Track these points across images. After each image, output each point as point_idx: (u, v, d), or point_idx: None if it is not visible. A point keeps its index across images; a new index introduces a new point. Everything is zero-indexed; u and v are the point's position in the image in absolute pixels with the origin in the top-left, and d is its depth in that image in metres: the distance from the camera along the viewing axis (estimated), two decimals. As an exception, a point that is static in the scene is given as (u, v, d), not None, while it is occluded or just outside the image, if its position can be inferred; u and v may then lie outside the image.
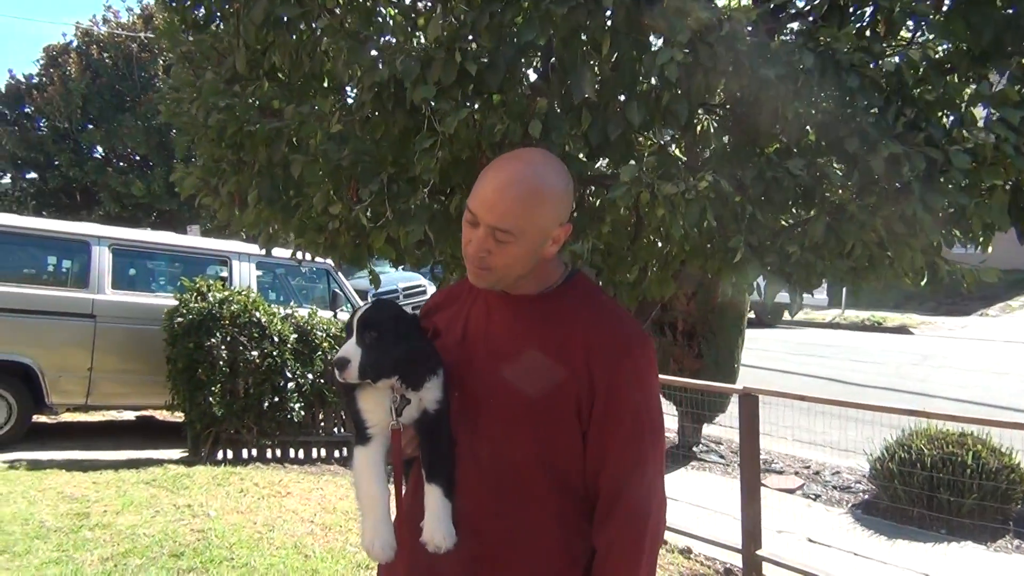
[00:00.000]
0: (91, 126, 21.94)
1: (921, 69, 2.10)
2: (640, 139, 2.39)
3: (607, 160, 2.48)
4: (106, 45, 22.18)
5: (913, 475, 6.93)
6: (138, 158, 22.59)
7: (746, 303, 9.72)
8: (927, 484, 6.83)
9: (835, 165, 2.18)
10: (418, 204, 2.23)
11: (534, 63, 2.31)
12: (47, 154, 21.70)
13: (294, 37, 2.43)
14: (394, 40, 2.28)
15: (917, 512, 6.84)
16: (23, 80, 22.20)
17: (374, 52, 2.19)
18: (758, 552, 5.71)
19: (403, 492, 1.78)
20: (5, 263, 8.03)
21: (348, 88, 2.55)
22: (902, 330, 20.35)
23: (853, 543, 6.48)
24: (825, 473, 8.52)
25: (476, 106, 2.17)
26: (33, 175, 22.85)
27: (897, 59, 2.08)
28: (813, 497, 7.81)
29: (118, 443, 8.31)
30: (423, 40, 2.18)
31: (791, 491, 7.96)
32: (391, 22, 2.37)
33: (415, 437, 1.73)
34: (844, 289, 20.24)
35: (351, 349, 1.65)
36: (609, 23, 2.05)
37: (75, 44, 22.34)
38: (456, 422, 1.72)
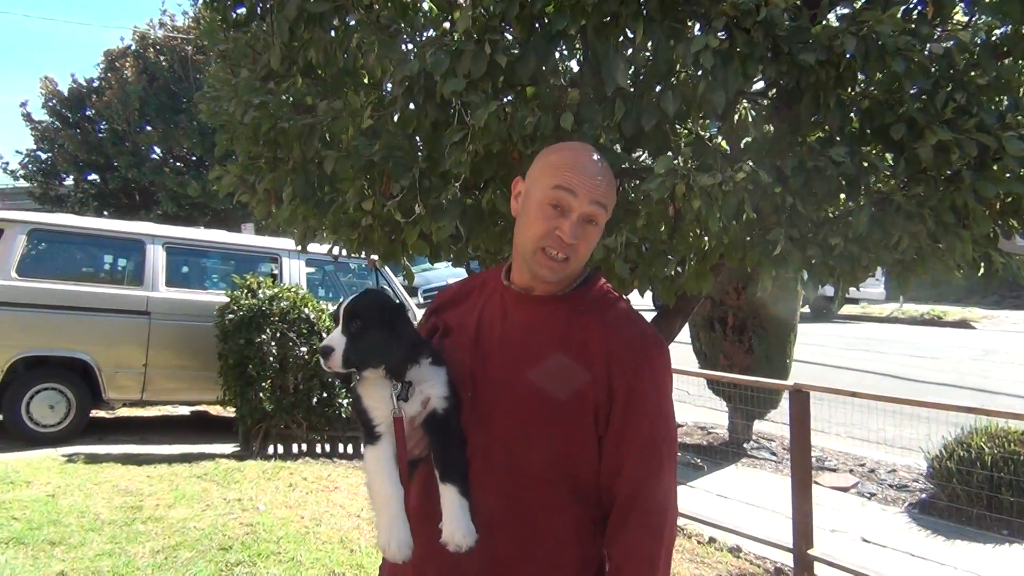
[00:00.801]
0: (148, 128, 22.43)
1: (975, 53, 2.00)
2: (676, 130, 2.33)
3: (643, 153, 2.44)
4: (162, 48, 22.66)
5: (973, 474, 6.72)
6: (194, 158, 23.03)
7: (799, 297, 9.52)
8: (987, 484, 6.63)
9: (880, 154, 2.09)
10: (449, 199, 2.21)
11: (565, 53, 2.27)
12: (107, 156, 22.25)
13: (329, 33, 2.42)
14: (427, 34, 2.26)
15: (977, 512, 6.64)
16: (84, 84, 22.79)
17: (407, 47, 2.18)
18: (810, 551, 5.60)
19: (409, 492, 1.75)
20: (64, 262, 8.25)
21: (381, 83, 2.53)
22: (963, 324, 19.78)
23: (909, 543, 6.31)
24: (880, 471, 8.31)
25: (507, 99, 2.15)
26: (94, 177, 23.44)
27: (947, 43, 1.99)
28: (868, 496, 7.63)
29: (172, 437, 8.47)
30: (453, 33, 2.15)
31: (845, 489, 7.79)
32: (426, 16, 2.35)
33: (424, 437, 1.71)
34: (902, 283, 19.69)
35: (336, 338, 1.66)
36: (643, 10, 2.00)
37: (133, 48, 22.86)
38: (469, 424, 1.69)
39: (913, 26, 1.96)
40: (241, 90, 2.52)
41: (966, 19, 2.18)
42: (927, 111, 1.96)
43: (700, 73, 1.97)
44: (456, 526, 1.63)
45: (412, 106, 2.25)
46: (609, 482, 1.65)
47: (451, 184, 2.22)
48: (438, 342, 1.80)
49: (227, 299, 7.78)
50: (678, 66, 2.09)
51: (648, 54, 2.13)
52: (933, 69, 1.97)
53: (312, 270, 9.59)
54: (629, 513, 1.63)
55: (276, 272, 8.97)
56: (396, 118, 2.31)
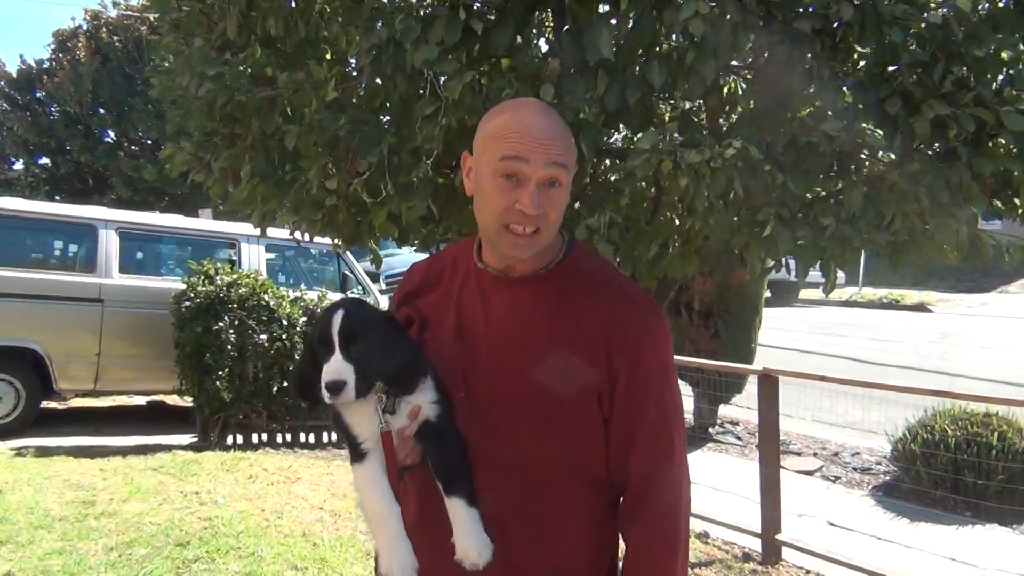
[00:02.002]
0: (102, 110, 21.87)
1: (974, 22, 1.91)
2: (660, 106, 2.22)
3: (624, 132, 2.32)
4: (115, 28, 22.06)
5: (936, 456, 6.77)
6: (149, 142, 22.51)
7: (765, 282, 9.53)
8: (951, 466, 6.67)
9: (871, 129, 2.00)
10: (421, 177, 2.07)
11: (545, 21, 2.13)
12: (58, 139, 21.66)
13: (289, 0, 2.27)
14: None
15: (941, 495, 6.68)
16: (34, 65, 22.13)
17: (372, 11, 2.04)
18: (778, 537, 5.59)
19: (406, 503, 1.62)
20: (12, 248, 7.93)
21: (349, 56, 2.38)
22: (921, 308, 20.10)
23: (875, 526, 6.33)
24: (844, 454, 8.37)
25: (482, 69, 2.01)
26: (45, 160, 22.83)
27: (944, 11, 1.89)
28: (832, 479, 7.66)
29: (128, 428, 8.25)
30: (424, -3, 2.01)
31: (810, 473, 7.82)
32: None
33: (416, 447, 1.57)
34: (860, 266, 19.90)
35: (341, 368, 1.47)
36: (627, -25, 1.88)
37: (85, 28, 22.23)
38: (467, 425, 1.55)
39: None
40: (195, 61, 2.35)
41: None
42: (923, 84, 1.87)
43: (689, 42, 1.86)
44: (470, 541, 1.51)
45: (380, 78, 2.10)
46: (619, 467, 1.55)
47: (422, 161, 2.07)
48: (417, 337, 1.65)
49: (183, 286, 7.55)
50: (665, 35, 1.97)
51: (632, 22, 2.00)
52: (929, 40, 1.88)
53: (272, 256, 9.37)
54: (643, 499, 1.53)
55: (234, 258, 8.74)
56: (363, 90, 2.16)
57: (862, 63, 1.99)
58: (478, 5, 1.93)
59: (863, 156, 1.99)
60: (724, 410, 9.36)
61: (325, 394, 1.47)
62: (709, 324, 9.02)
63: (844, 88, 2.01)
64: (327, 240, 7.32)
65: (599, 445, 1.55)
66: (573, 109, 1.90)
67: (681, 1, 1.74)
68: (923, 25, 1.85)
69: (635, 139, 2.09)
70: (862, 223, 2.00)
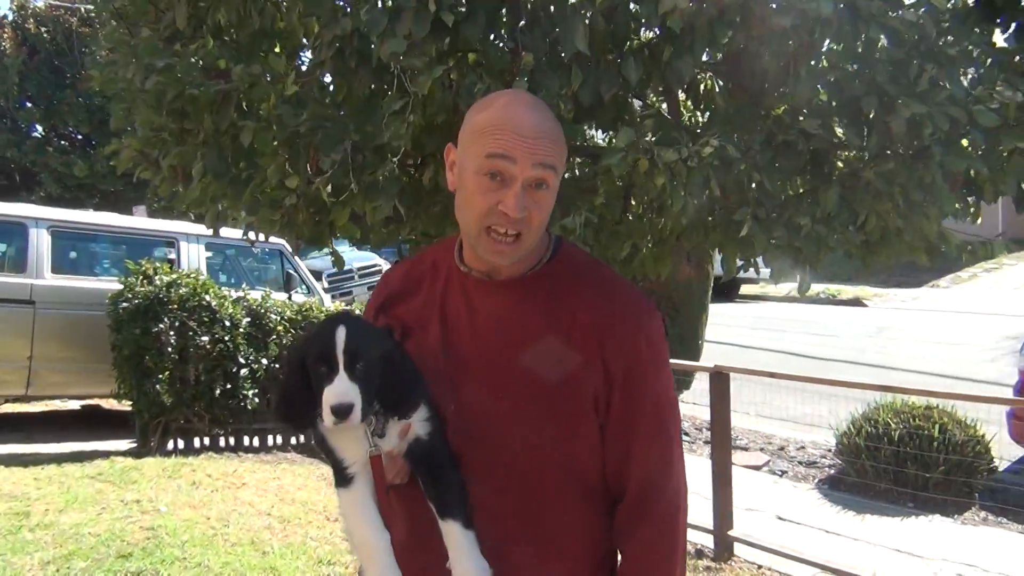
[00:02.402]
0: (29, 104, 21.10)
1: (947, 20, 1.90)
2: (634, 103, 2.17)
3: (598, 129, 2.26)
4: (43, 19, 21.29)
5: (880, 449, 6.91)
6: (80, 137, 21.81)
7: (711, 279, 9.63)
8: (894, 458, 6.82)
9: (845, 127, 1.98)
10: (387, 175, 1.98)
11: (519, 13, 2.06)
12: (-17, 134, 20.85)
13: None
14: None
15: (884, 487, 6.83)
16: (-45, 56, 21.25)
17: (338, 2, 1.94)
18: (730, 533, 5.63)
19: (394, 522, 1.52)
20: (-64, 247, 7.59)
21: (304, 47, 2.28)
22: (856, 303, 20.57)
23: (822, 519, 6.43)
24: (790, 449, 8.50)
25: (452, 63, 1.93)
26: (-32, 156, 21.94)
27: (920, 10, 1.88)
28: (779, 473, 7.77)
29: (62, 435, 7.93)
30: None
31: (757, 468, 7.91)
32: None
33: (405, 466, 1.48)
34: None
35: (347, 389, 1.37)
36: (603, -33, 1.82)
37: (10, 18, 21.41)
38: (458, 440, 1.47)
39: (885, -9, 1.85)
40: (142, 52, 2.22)
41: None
42: (899, 82, 1.85)
43: (666, 37, 1.81)
44: (468, 566, 1.42)
45: (341, 72, 2.01)
46: (616, 474, 1.48)
47: (388, 159, 1.98)
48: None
49: (120, 286, 7.30)
50: (642, 29, 1.92)
51: (608, 16, 1.94)
52: (906, 37, 1.86)
53: (212, 254, 9.12)
54: (642, 508, 1.47)
55: (173, 257, 8.48)
56: (329, 84, 2.07)
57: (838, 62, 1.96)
58: (448, -4, 1.85)
59: (838, 155, 1.97)
60: (672, 406, 9.43)
61: (329, 419, 1.36)
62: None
63: (818, 86, 1.99)
64: (277, 239, 7.13)
65: (596, 453, 1.48)
66: (548, 104, 1.83)
67: (659, -5, 1.69)
68: (899, 23, 1.83)
69: (609, 137, 2.04)
70: (836, 223, 1.99)
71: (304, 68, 2.20)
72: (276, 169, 2.11)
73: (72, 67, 20.96)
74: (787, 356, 12.60)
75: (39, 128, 21.88)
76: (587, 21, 1.82)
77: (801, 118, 1.87)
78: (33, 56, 20.77)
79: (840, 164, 2.01)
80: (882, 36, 1.79)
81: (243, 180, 2.30)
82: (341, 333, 1.39)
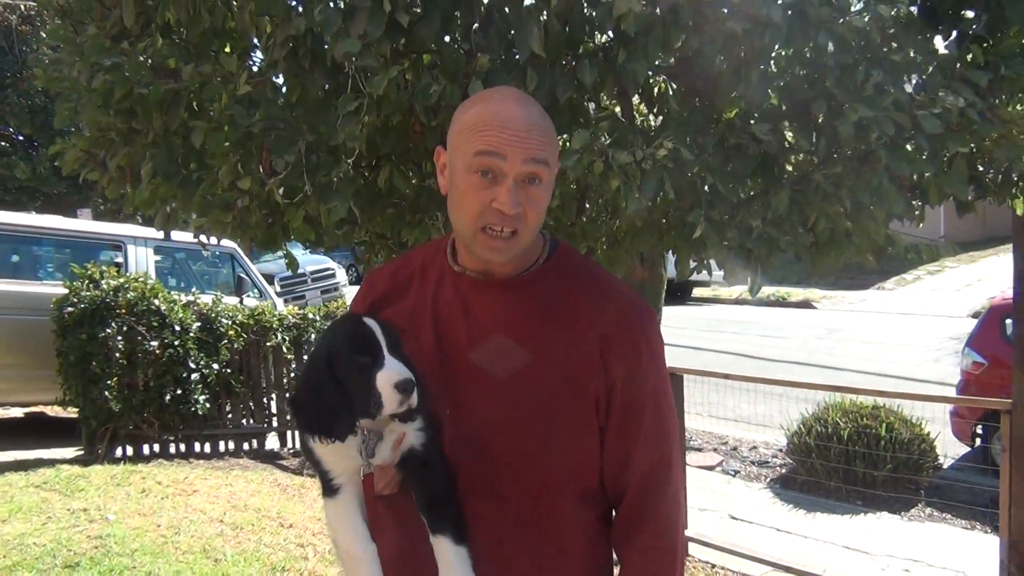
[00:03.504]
0: (-33, 104, 20.50)
1: (892, 27, 1.95)
2: (588, 103, 2.18)
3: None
4: (-18, 16, 20.71)
5: (829, 448, 7.04)
6: (21, 138, 21.25)
7: (664, 281, 9.72)
8: (843, 457, 6.96)
9: (795, 131, 2.02)
10: (341, 177, 1.95)
11: (474, 15, 2.06)
12: (-82, 134, 20.22)
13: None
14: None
15: (834, 485, 6.96)
16: None
17: (291, 2, 1.92)
18: (685, 532, 5.67)
19: (383, 533, 1.49)
20: None
21: (255, 48, 2.25)
22: (806, 305, 20.93)
23: (774, 518, 6.54)
24: (743, 449, 8.62)
25: (407, 64, 1.92)
26: (-96, 157, 21.25)
27: (866, 16, 1.92)
28: (732, 473, 7.88)
29: (4, 443, 7.73)
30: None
31: (711, 468, 8.01)
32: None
33: (395, 475, 1.42)
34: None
35: (402, 366, 1.33)
36: (558, -30, 1.83)
37: (-53, 15, 20.80)
38: (454, 448, 1.43)
39: (834, -2, 1.89)
40: (88, 51, 2.16)
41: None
42: (847, 88, 1.89)
43: (620, 40, 1.82)
44: None
45: (294, 72, 1.99)
46: (615, 478, 1.45)
47: (343, 160, 1.96)
48: None
49: (65, 290, 7.13)
50: (597, 32, 1.93)
51: (563, 18, 1.95)
52: (853, 44, 1.90)
53: (160, 258, 8.96)
54: (643, 512, 1.44)
55: (120, 260, 8.32)
56: (282, 84, 2.04)
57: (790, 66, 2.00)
58: (403, -4, 1.84)
59: (789, 158, 2.01)
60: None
61: (394, 400, 1.30)
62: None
63: (769, 90, 2.03)
64: (228, 243, 7.06)
65: (595, 457, 1.45)
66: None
67: (612, -1, 1.70)
68: (846, 29, 1.87)
69: (564, 139, 2.05)
70: (787, 224, 2.02)
71: (256, 68, 2.16)
72: (228, 170, 2.08)
73: (12, 66, 20.42)
74: (738, 357, 12.76)
75: (-22, 129, 21.28)
76: (542, 23, 1.83)
77: (752, 122, 1.89)
78: (-29, 54, 20.21)
79: (790, 167, 2.04)
80: (830, 42, 1.82)
81: (194, 181, 2.26)
82: (372, 323, 1.37)
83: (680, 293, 22.58)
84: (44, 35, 2.64)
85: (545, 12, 1.84)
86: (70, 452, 7.33)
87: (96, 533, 5.02)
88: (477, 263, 1.47)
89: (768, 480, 7.63)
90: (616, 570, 1.55)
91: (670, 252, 2.17)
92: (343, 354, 1.34)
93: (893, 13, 1.91)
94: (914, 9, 2.05)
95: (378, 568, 1.42)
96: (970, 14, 2.05)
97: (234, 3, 2.09)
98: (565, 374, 1.42)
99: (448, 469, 1.42)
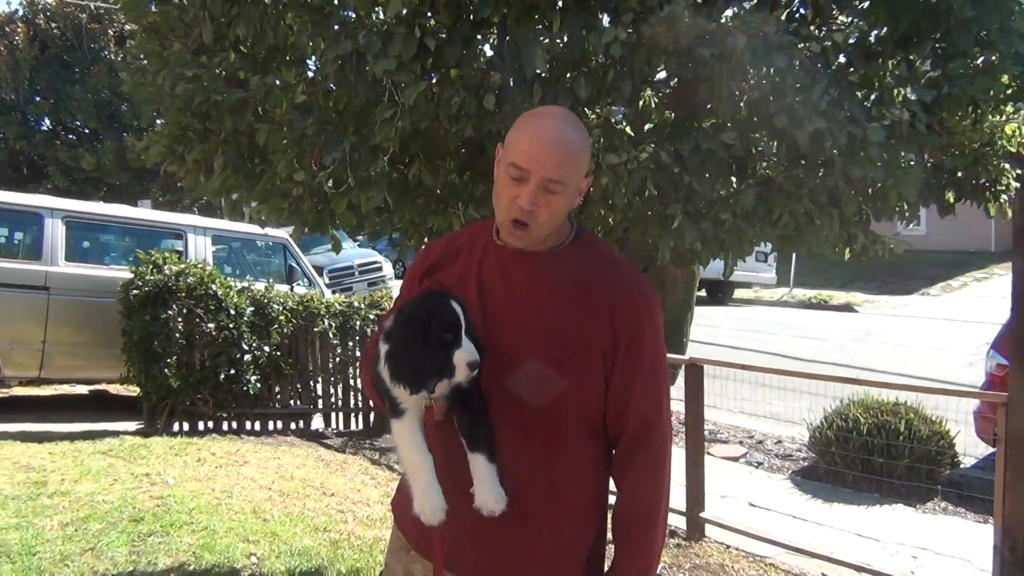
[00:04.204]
0: (38, 98, 21.47)
1: (847, 52, 2.28)
2: (587, 113, 2.54)
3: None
4: (54, 15, 21.67)
5: (849, 441, 7.25)
6: (87, 131, 22.17)
7: (696, 279, 9.96)
8: (862, 450, 7.16)
9: (766, 139, 2.36)
10: (378, 171, 2.36)
11: (489, 39, 2.44)
12: (-6, 126, 21.24)
13: (258, 10, 2.52)
14: (354, 15, 2.39)
15: (852, 476, 7.17)
16: (-32, 51, 21.62)
17: (337, 27, 2.32)
18: (701, 514, 5.97)
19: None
20: (-44, 235, 7.96)
21: (310, 61, 2.66)
22: (847, 308, 20.89)
23: (792, 506, 6.77)
24: (768, 442, 8.84)
25: (434, 79, 2.31)
26: (-21, 148, 22.32)
27: (825, 43, 2.26)
28: (756, 464, 8.11)
29: (72, 416, 8.23)
30: (383, 16, 2.30)
31: (735, 459, 8.25)
32: (354, -1, 2.48)
33: (443, 405, 1.80)
34: (792, 268, 20.62)
35: (474, 349, 1.70)
36: (559, 2, 2.20)
37: (21, 13, 21.79)
38: (489, 385, 1.78)
39: (795, 27, 2.23)
40: (173, 63, 2.60)
41: (848, 20, 2.46)
42: (805, 103, 2.23)
43: (610, 62, 2.19)
44: (488, 493, 1.74)
45: (341, 84, 2.39)
46: (616, 418, 1.82)
47: (380, 158, 2.37)
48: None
49: (129, 275, 7.62)
50: (590, 55, 2.30)
51: (563, 43, 2.33)
52: (811, 65, 2.24)
53: (218, 247, 9.48)
54: (638, 446, 1.81)
55: (181, 248, 8.85)
56: (327, 94, 2.44)
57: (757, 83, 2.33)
58: (431, 24, 2.23)
59: (756, 161, 2.34)
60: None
61: (464, 372, 1.69)
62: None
63: (740, 103, 2.37)
64: (279, 232, 7.53)
65: (600, 400, 1.81)
66: (512, 116, 2.21)
67: (603, 27, 2.07)
68: (806, 54, 2.20)
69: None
70: (755, 219, 2.36)
71: (305, 74, 2.57)
72: (285, 165, 2.49)
73: (81, 62, 21.33)
74: (774, 357, 12.90)
75: (47, 122, 22.23)
76: (545, 47, 2.21)
77: (724, 132, 2.24)
78: (44, 51, 21.14)
79: (759, 170, 2.38)
80: (790, 63, 2.16)
81: (257, 174, 2.68)
82: (458, 308, 1.73)
83: (721, 295, 22.70)
84: (131, 46, 3.08)
85: (547, 38, 2.22)
86: (131, 426, 7.79)
87: (157, 494, 5.49)
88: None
89: (790, 472, 7.86)
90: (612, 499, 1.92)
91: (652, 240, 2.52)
92: (433, 329, 1.71)
93: (851, 42, 2.24)
94: (872, 39, 2.37)
95: (434, 475, 1.76)
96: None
97: (294, 26, 2.49)
98: (578, 331, 1.78)
99: (483, 401, 1.78)
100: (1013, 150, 3.21)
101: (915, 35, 2.34)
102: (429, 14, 2.25)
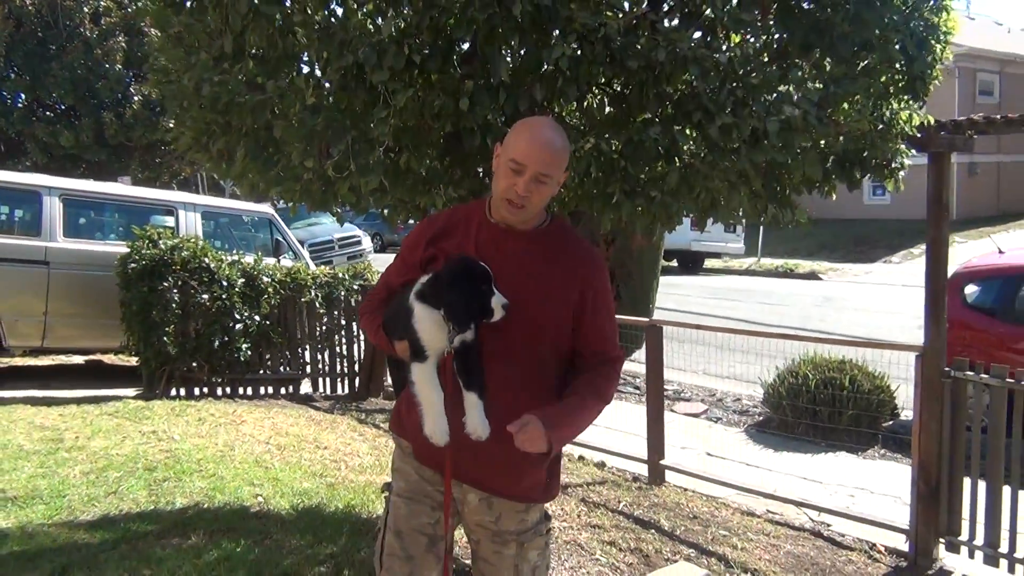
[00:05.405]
0: (14, 75, 21.51)
1: (751, 60, 2.85)
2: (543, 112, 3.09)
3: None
4: (27, -8, 21.64)
5: (799, 396, 7.92)
6: (64, 108, 22.24)
7: (661, 249, 10.57)
8: (811, 403, 7.83)
9: (686, 132, 2.93)
10: (375, 160, 2.91)
11: (463, 54, 3.00)
12: (-32, 104, 21.27)
13: (273, 24, 3.04)
14: (356, 33, 2.92)
15: (801, 427, 7.84)
16: (-59, 28, 21.56)
17: (340, 43, 2.84)
18: (661, 462, 6.59)
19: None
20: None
21: (314, 67, 3.18)
22: (812, 276, 21.65)
23: (745, 455, 7.42)
24: (727, 400, 9.50)
25: (419, 85, 2.86)
26: (-46, 125, 22.32)
27: (731, 54, 2.83)
28: (715, 420, 8.77)
29: (71, 384, 8.71)
30: (379, 34, 2.84)
31: (696, 415, 8.90)
32: (353, 20, 2.99)
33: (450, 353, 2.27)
34: (760, 238, 21.25)
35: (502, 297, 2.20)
36: (519, 25, 2.74)
37: (-5, -10, 21.74)
38: (487, 334, 2.26)
39: (707, 42, 2.80)
40: (199, 69, 3.12)
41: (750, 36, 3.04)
42: (716, 102, 2.80)
43: (560, 72, 2.74)
44: (477, 422, 2.21)
45: (344, 90, 2.92)
46: (582, 349, 2.36)
47: (376, 149, 2.91)
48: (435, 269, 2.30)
49: (125, 249, 8.05)
50: (544, 65, 2.84)
51: (522, 56, 2.88)
52: (721, 72, 2.81)
53: (206, 223, 9.92)
54: (597, 367, 2.35)
55: (172, 225, 9.28)
56: (333, 98, 2.98)
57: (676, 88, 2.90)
58: (417, 42, 2.77)
59: (679, 150, 2.91)
60: (626, 366, 10.41)
61: (500, 313, 2.19)
62: (611, 286, 10.02)
63: (667, 103, 2.93)
64: (264, 208, 8.16)
65: (569, 338, 2.34)
66: (483, 115, 2.76)
67: (554, 44, 2.63)
68: (717, 63, 2.77)
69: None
70: (679, 195, 2.94)
71: (320, 80, 3.10)
72: (298, 154, 3.03)
73: (57, 39, 21.37)
74: (737, 322, 13.58)
75: (24, 98, 22.26)
76: (507, 60, 2.76)
77: (652, 127, 2.81)
78: (19, 28, 21.16)
79: (681, 156, 2.95)
80: (701, 71, 2.72)
81: (273, 162, 3.22)
82: (485, 266, 2.22)
83: (692, 264, 23.42)
84: (154, 51, 3.59)
85: (509, 53, 2.78)
86: (130, 392, 8.27)
87: (166, 448, 6.02)
88: (504, 219, 2.33)
89: (746, 426, 8.53)
90: None
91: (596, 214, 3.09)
92: (476, 282, 2.20)
93: (750, 51, 2.81)
94: (775, 46, 2.95)
95: (443, 407, 2.25)
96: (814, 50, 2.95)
97: (303, 39, 3.01)
98: (556, 291, 2.30)
99: (478, 353, 2.26)
100: (910, 133, 3.82)
101: (806, 46, 2.91)
102: (415, 34, 2.79)
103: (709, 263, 24.19)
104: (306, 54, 3.09)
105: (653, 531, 5.18)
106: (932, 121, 4.06)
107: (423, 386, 2.27)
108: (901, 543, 5.29)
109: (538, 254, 2.32)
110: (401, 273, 2.49)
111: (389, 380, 8.69)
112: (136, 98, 20.37)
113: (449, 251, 2.35)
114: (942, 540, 5.12)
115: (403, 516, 2.41)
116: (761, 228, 23.86)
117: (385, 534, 2.45)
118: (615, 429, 7.99)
